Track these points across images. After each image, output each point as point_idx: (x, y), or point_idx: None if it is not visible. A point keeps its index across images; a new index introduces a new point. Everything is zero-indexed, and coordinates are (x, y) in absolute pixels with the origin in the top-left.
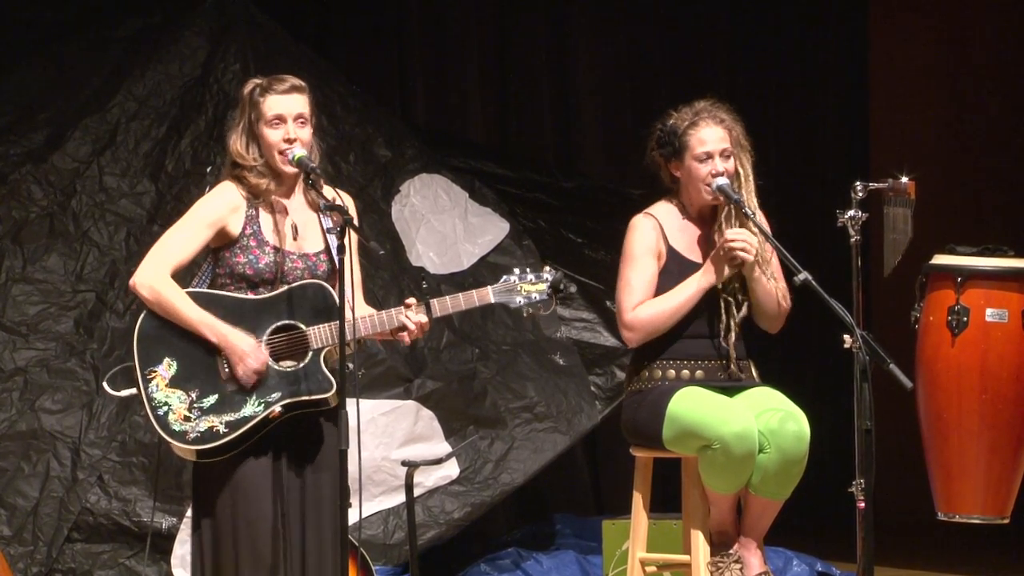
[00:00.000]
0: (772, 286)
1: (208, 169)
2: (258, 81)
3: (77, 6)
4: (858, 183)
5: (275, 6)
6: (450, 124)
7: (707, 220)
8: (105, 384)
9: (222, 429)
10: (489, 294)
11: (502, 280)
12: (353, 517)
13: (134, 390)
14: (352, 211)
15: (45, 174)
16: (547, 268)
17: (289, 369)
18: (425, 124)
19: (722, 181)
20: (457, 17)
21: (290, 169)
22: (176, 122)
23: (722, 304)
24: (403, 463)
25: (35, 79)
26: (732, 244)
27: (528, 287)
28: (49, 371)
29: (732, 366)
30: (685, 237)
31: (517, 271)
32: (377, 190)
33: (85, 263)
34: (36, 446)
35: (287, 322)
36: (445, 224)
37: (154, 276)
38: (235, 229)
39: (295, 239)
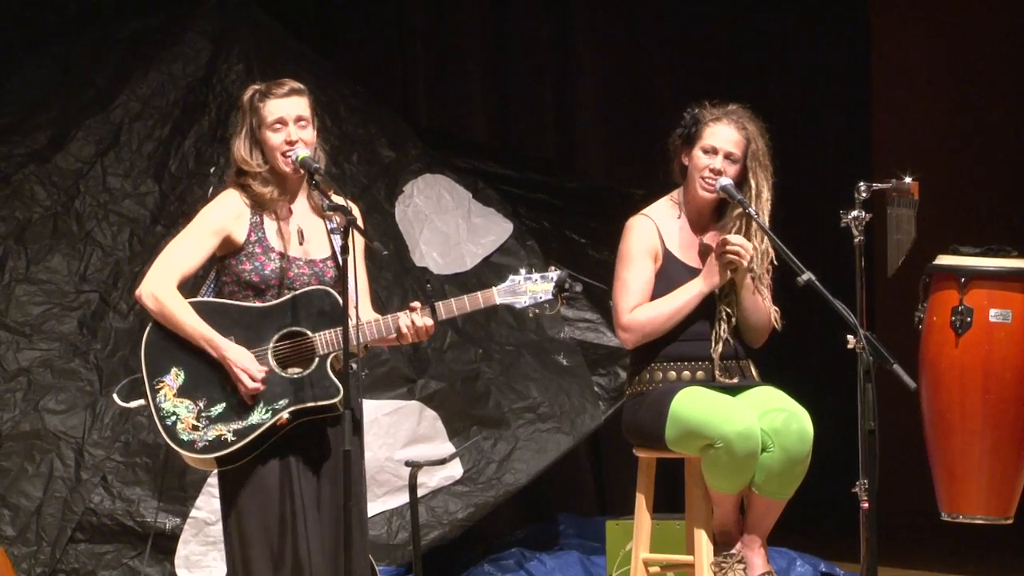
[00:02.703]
0: (762, 302)
1: (212, 169)
2: (257, 87)
3: (80, 6)
4: (861, 184)
5: (278, 7)
6: (453, 124)
7: (705, 223)
8: (115, 396)
9: (230, 437)
10: (494, 295)
11: (507, 281)
12: None
13: (142, 401)
14: (356, 213)
15: (48, 174)
16: (552, 268)
17: (296, 376)
18: (428, 124)
19: (726, 181)
20: (459, 17)
21: (290, 171)
22: (179, 122)
23: (720, 307)
24: (406, 463)
25: (38, 79)
26: (728, 248)
27: (533, 287)
28: (53, 371)
29: (730, 365)
30: (681, 240)
31: (523, 271)
32: (380, 191)
33: (89, 263)
34: (40, 446)
35: (293, 329)
36: (449, 224)
37: (158, 287)
38: (240, 237)
39: (300, 244)
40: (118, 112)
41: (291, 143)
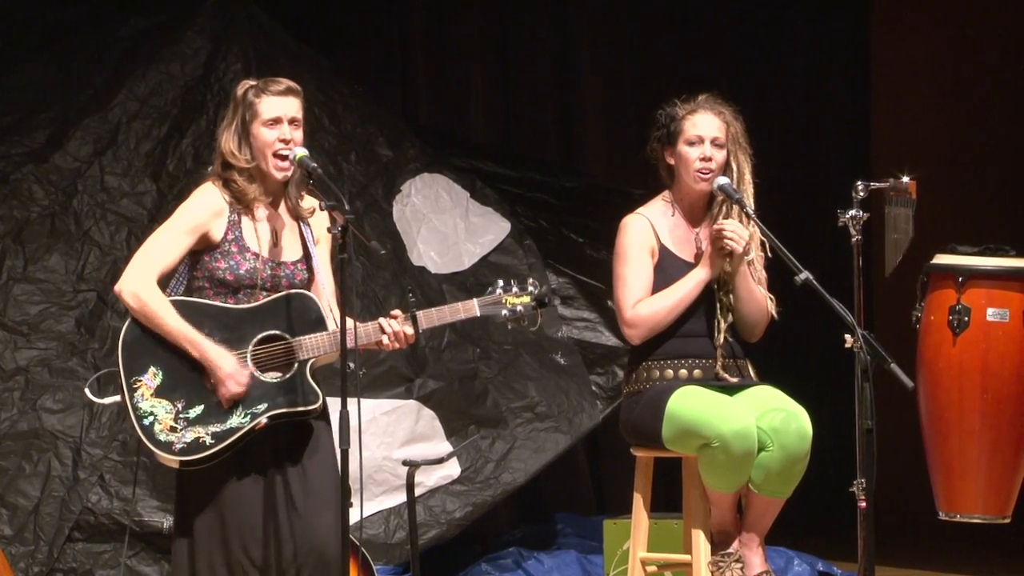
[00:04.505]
0: (758, 291)
1: (209, 169)
2: (252, 82)
3: (79, 6)
4: (859, 183)
5: (277, 6)
6: (452, 123)
7: (698, 216)
8: (87, 390)
9: (208, 440)
10: (475, 306)
11: (488, 292)
12: (354, 517)
13: (117, 398)
14: (327, 224)
15: (46, 174)
16: (531, 281)
17: (275, 380)
18: (427, 123)
19: (723, 180)
20: (459, 16)
21: (279, 174)
22: (177, 122)
23: (717, 302)
24: (404, 463)
25: (37, 79)
26: (723, 232)
27: (513, 299)
28: (50, 371)
29: (728, 364)
30: (676, 235)
31: (501, 283)
32: (379, 190)
33: (86, 263)
34: (37, 445)
35: (273, 332)
36: (446, 224)
37: (139, 283)
38: (217, 234)
39: (276, 246)
40: (116, 111)
41: (285, 142)
